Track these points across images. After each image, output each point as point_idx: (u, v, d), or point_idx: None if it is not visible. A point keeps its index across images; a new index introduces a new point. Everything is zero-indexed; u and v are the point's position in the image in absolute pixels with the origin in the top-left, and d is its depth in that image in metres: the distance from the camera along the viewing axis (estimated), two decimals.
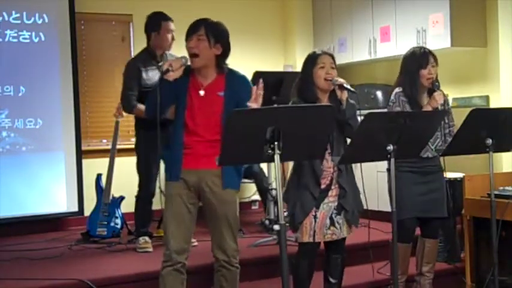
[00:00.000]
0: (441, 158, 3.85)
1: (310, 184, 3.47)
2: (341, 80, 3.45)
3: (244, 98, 3.21)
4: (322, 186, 3.50)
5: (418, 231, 4.01)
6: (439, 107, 3.76)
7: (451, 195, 4.50)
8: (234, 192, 3.36)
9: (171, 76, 3.19)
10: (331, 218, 3.51)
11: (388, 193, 3.90)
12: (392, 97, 3.87)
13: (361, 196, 3.64)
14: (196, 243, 4.61)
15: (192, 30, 3.24)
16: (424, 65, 3.80)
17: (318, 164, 3.47)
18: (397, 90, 3.86)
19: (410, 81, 3.83)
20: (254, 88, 3.19)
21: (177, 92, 3.26)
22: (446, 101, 3.91)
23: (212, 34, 3.24)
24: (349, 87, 3.44)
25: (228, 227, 3.32)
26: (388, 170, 3.89)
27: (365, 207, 3.81)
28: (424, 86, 3.84)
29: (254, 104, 3.15)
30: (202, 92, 3.26)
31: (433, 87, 3.79)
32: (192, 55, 3.24)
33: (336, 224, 3.52)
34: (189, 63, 3.25)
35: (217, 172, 3.27)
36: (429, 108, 3.75)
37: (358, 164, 4.31)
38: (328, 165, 3.50)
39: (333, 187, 3.52)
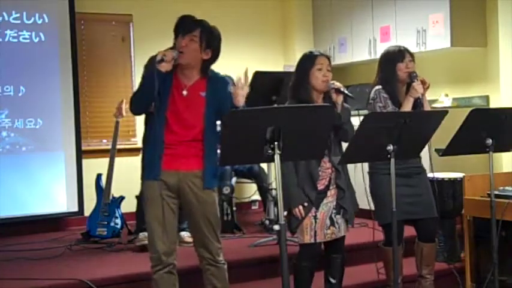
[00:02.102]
0: (427, 158, 3.83)
1: (306, 187, 3.45)
2: (338, 84, 3.45)
3: (224, 98, 3.20)
4: (321, 187, 3.50)
5: (413, 232, 3.99)
6: (420, 97, 3.74)
7: (451, 195, 4.51)
8: (213, 191, 3.34)
9: (164, 67, 3.14)
10: (331, 218, 3.52)
11: (371, 194, 3.89)
12: (372, 94, 3.84)
13: (361, 196, 3.65)
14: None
15: (187, 29, 3.21)
16: (401, 59, 3.81)
17: (315, 166, 3.46)
18: (376, 87, 3.85)
19: (388, 77, 3.82)
20: (234, 85, 3.17)
21: (160, 90, 3.21)
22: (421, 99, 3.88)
23: (205, 38, 3.22)
24: (346, 91, 3.44)
25: (210, 227, 3.31)
26: (368, 172, 3.90)
27: (367, 207, 3.81)
28: (402, 82, 3.83)
29: (239, 99, 3.14)
30: (185, 92, 3.24)
31: (411, 78, 3.77)
32: (180, 52, 3.20)
33: (336, 224, 3.53)
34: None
35: (197, 173, 3.26)
36: (410, 100, 3.73)
37: (359, 164, 4.32)
38: (327, 166, 3.50)
39: (331, 187, 3.53)
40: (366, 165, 3.90)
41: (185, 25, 3.24)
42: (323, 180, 3.51)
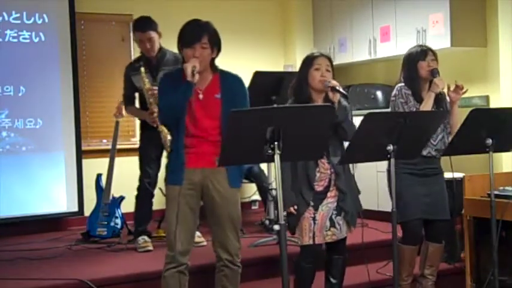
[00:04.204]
0: (447, 158, 3.84)
1: (303, 188, 3.45)
2: (334, 82, 3.45)
3: (240, 96, 3.27)
4: (320, 189, 3.50)
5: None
6: (442, 92, 3.79)
7: (451, 195, 4.50)
8: (237, 191, 3.36)
9: (195, 78, 3.12)
10: (331, 219, 3.51)
11: (390, 195, 3.90)
12: (394, 91, 3.89)
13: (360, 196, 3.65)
14: (205, 243, 4.62)
15: (196, 39, 3.18)
16: (423, 57, 3.84)
17: (312, 168, 3.47)
18: (399, 85, 3.90)
19: (410, 74, 3.86)
20: None
21: None
22: (445, 101, 3.92)
23: (213, 41, 3.24)
24: (341, 89, 3.44)
25: (232, 226, 3.32)
26: (388, 170, 3.90)
27: (365, 207, 3.81)
28: (424, 80, 3.85)
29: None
30: (201, 96, 3.25)
31: (433, 75, 3.81)
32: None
33: (336, 225, 3.52)
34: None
35: (221, 170, 3.26)
36: (432, 95, 3.77)
37: (358, 164, 4.32)
38: (326, 167, 3.50)
39: (331, 188, 3.52)
40: (381, 164, 3.90)
41: (193, 34, 3.21)
42: (322, 182, 3.50)
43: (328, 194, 3.51)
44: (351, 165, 3.65)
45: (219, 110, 3.25)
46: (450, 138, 3.87)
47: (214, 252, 3.39)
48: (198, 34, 3.20)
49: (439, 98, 3.84)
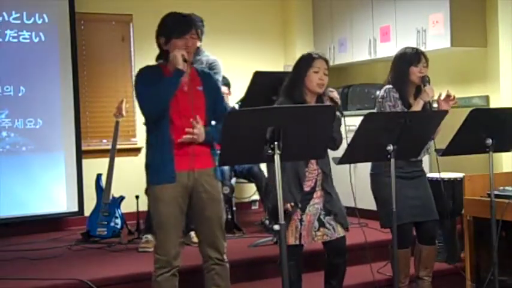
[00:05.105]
0: (434, 160, 3.84)
1: (292, 188, 3.43)
2: (335, 95, 3.46)
3: (219, 93, 3.38)
4: (307, 189, 3.49)
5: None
6: (430, 101, 3.75)
7: (451, 195, 4.51)
8: (220, 189, 3.34)
9: (185, 67, 3.13)
10: (319, 220, 3.49)
11: (374, 197, 3.90)
12: (382, 93, 3.83)
13: (353, 195, 3.64)
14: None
15: (187, 30, 3.22)
16: (416, 63, 3.80)
17: (302, 167, 3.45)
18: (387, 86, 3.85)
19: (400, 78, 3.82)
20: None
21: None
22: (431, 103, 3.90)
23: (199, 32, 3.29)
24: (339, 102, 3.46)
25: (219, 226, 3.31)
26: (372, 174, 3.90)
27: (365, 207, 3.80)
28: (413, 84, 3.83)
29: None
30: (186, 88, 3.22)
31: (423, 82, 3.78)
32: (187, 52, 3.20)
33: (327, 225, 3.49)
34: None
35: (210, 171, 3.26)
36: (421, 103, 3.73)
37: (358, 164, 4.29)
38: (314, 168, 3.50)
39: (317, 189, 3.51)
40: (369, 165, 3.91)
41: (184, 25, 3.24)
42: (309, 182, 3.50)
43: (314, 195, 3.51)
44: (352, 165, 3.64)
45: (203, 102, 3.26)
46: (432, 142, 3.84)
47: (200, 252, 3.34)
48: (189, 25, 3.24)
49: (426, 106, 3.76)
